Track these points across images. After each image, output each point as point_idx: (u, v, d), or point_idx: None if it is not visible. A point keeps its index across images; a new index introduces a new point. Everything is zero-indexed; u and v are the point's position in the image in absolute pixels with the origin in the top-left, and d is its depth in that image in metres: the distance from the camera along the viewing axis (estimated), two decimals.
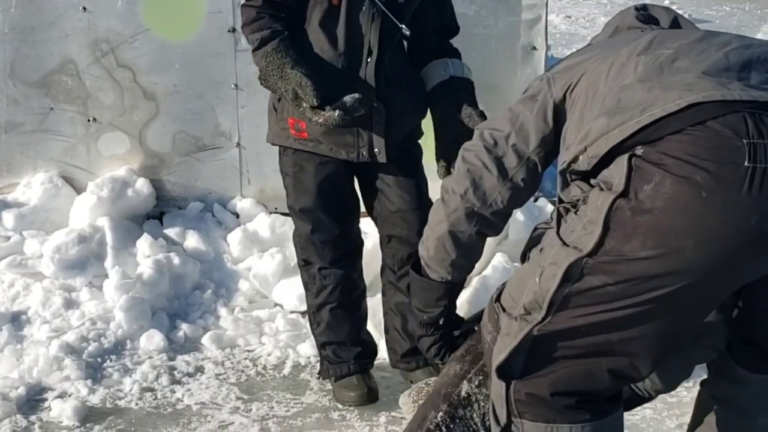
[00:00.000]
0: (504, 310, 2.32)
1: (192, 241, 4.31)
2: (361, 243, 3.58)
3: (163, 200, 4.47)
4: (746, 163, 2.03)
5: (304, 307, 4.06)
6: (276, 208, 4.50)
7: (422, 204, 3.34)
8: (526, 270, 2.35)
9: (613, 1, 12.57)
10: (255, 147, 4.43)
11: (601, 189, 2.17)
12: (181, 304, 4.10)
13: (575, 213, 2.24)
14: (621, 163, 2.13)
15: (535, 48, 4.35)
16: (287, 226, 4.39)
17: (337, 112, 3.08)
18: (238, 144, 4.44)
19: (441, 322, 2.64)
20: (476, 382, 2.50)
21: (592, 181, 2.24)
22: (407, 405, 2.77)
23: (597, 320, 2.17)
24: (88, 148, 4.41)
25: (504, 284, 2.43)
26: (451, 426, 2.46)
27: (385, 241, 3.50)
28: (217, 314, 4.07)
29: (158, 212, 4.47)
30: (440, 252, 2.52)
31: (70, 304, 3.99)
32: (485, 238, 2.53)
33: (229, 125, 4.42)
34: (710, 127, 2.06)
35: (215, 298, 4.14)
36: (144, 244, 4.19)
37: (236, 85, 4.35)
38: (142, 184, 4.34)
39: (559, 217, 2.30)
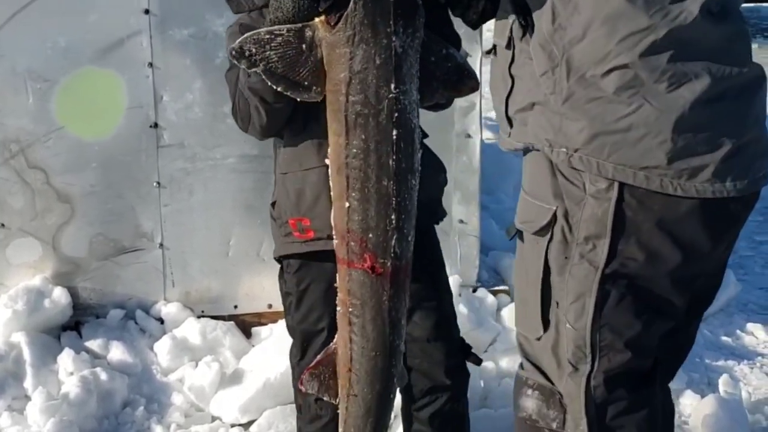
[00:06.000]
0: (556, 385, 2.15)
1: (116, 353, 3.96)
2: None
3: (79, 309, 4.11)
4: None
5: (246, 419, 3.80)
6: (203, 312, 4.22)
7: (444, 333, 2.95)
8: (552, 334, 2.16)
9: None
10: (179, 247, 4.16)
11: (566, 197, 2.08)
12: (111, 424, 3.73)
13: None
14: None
15: (469, 136, 4.24)
16: (218, 330, 4.12)
17: None
18: (161, 245, 4.15)
19: None
20: None
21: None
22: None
23: (644, 327, 2.08)
24: None
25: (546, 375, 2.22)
26: None
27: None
28: None
29: (73, 322, 4.12)
30: None
31: None
32: None
33: (152, 225, 4.12)
34: None
35: (147, 414, 3.79)
36: (66, 359, 3.82)
37: (158, 183, 4.07)
38: (59, 294, 3.99)
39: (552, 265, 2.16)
